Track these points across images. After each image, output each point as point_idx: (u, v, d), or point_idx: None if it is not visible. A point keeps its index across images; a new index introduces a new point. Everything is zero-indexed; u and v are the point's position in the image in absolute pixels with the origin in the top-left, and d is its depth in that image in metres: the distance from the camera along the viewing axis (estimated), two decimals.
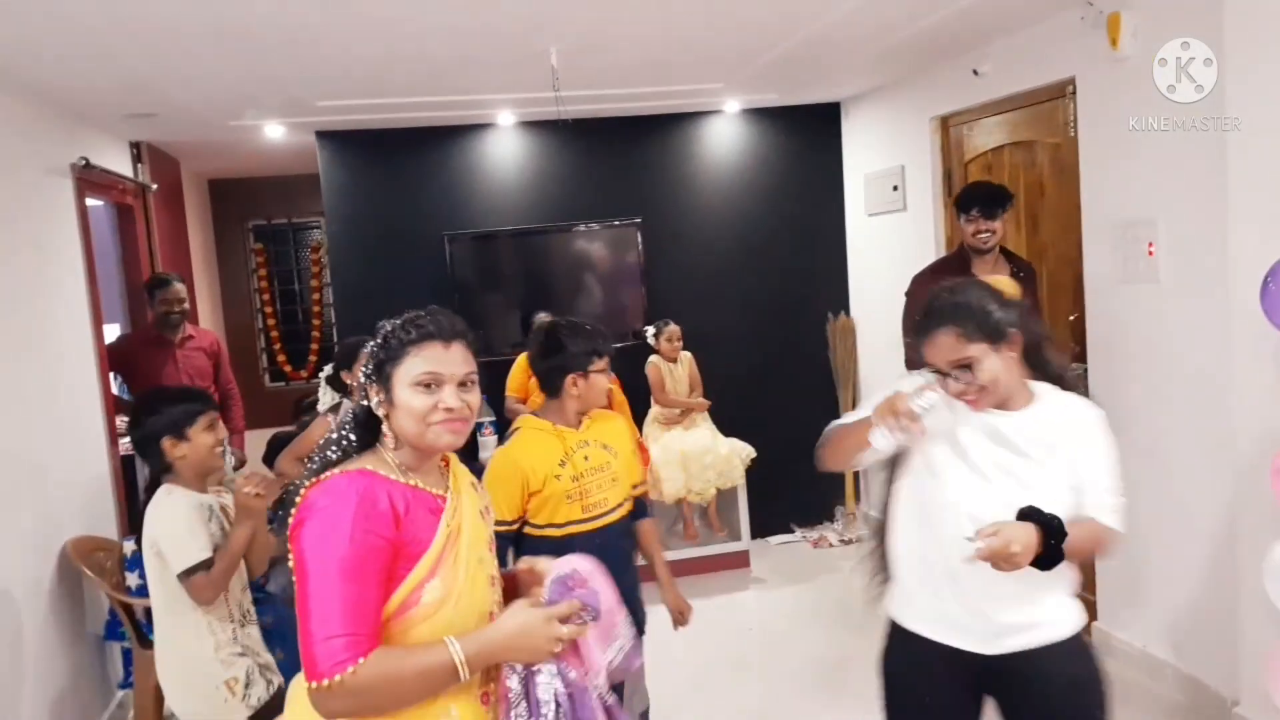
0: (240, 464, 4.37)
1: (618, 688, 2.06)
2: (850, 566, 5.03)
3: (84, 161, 3.98)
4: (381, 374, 1.54)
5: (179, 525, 2.41)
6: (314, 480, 1.48)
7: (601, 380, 2.48)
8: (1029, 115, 3.97)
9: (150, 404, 2.56)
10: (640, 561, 2.72)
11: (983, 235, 3.40)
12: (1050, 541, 1.73)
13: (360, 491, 1.44)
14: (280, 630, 2.62)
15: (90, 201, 4.25)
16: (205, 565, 2.38)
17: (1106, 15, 3.26)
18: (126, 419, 2.90)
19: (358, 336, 3.27)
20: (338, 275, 5.22)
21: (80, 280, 3.99)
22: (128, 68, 3.44)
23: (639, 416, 4.97)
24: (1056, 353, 2.03)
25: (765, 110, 5.45)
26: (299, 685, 1.48)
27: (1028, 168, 4.03)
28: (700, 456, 4.87)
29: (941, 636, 1.95)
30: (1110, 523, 1.86)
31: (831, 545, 5.40)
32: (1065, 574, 1.90)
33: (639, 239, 5.27)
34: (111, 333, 4.71)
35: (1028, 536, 1.71)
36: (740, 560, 5.03)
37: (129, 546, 3.47)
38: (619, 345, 5.22)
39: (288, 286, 8.27)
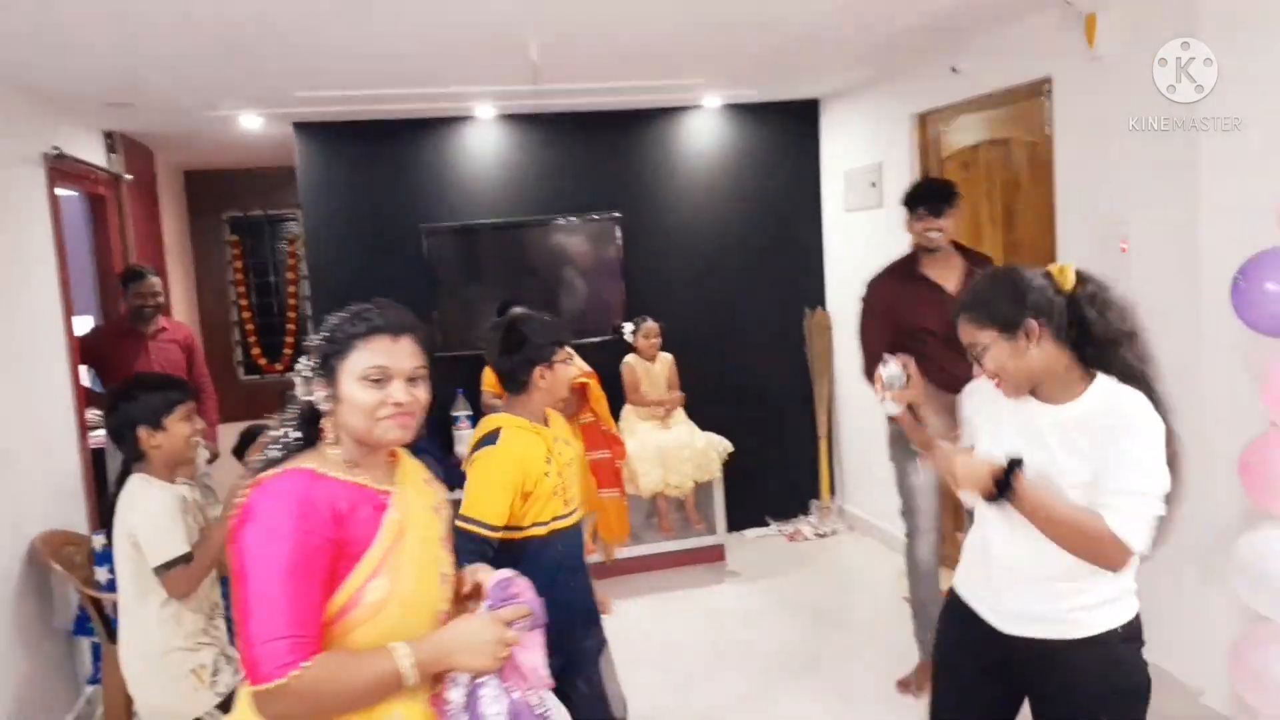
0: (214, 457, 4.33)
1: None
2: (825, 560, 5.08)
3: (56, 151, 3.93)
4: (327, 367, 1.50)
5: (159, 518, 2.38)
6: (255, 480, 1.46)
7: (567, 370, 2.47)
8: (1006, 113, 4.00)
9: (129, 391, 2.53)
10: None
11: (931, 234, 3.37)
12: (1004, 479, 1.79)
13: (300, 491, 1.42)
14: None
15: (62, 191, 4.19)
16: (185, 559, 2.36)
17: (1084, 15, 3.28)
18: (101, 409, 2.87)
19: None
20: (313, 268, 5.18)
21: (51, 271, 3.93)
22: (102, 56, 3.40)
23: (616, 410, 4.98)
24: (1138, 353, 1.87)
25: (745, 106, 5.46)
26: (245, 689, 1.46)
27: (1004, 165, 4.06)
28: (678, 451, 4.88)
29: (969, 599, 2.07)
30: (1111, 522, 1.74)
31: (806, 539, 5.43)
32: (1096, 577, 1.84)
33: (618, 233, 5.27)
34: (84, 324, 4.65)
35: (974, 470, 1.83)
36: (716, 554, 5.04)
37: (99, 541, 3.44)
38: (598, 340, 5.26)
39: (263, 279, 8.20)
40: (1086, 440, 1.82)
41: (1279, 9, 2.74)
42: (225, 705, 2.38)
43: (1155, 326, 3.25)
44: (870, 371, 3.30)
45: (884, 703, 3.53)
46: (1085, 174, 3.49)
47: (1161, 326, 3.25)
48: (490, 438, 2.37)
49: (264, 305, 8.22)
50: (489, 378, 4.73)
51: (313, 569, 1.39)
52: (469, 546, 2.27)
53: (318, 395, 1.51)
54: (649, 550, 4.97)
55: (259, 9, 2.94)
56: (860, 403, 5.21)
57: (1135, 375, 1.85)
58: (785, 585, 4.77)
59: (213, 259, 8.01)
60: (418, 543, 1.54)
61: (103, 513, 2.87)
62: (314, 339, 1.55)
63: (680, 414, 5.10)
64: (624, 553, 4.61)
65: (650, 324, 5.02)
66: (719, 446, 5.02)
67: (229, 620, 2.57)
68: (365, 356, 1.49)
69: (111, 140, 4.94)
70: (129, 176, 5.09)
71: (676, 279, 5.46)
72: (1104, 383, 1.86)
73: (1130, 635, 1.92)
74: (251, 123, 4.95)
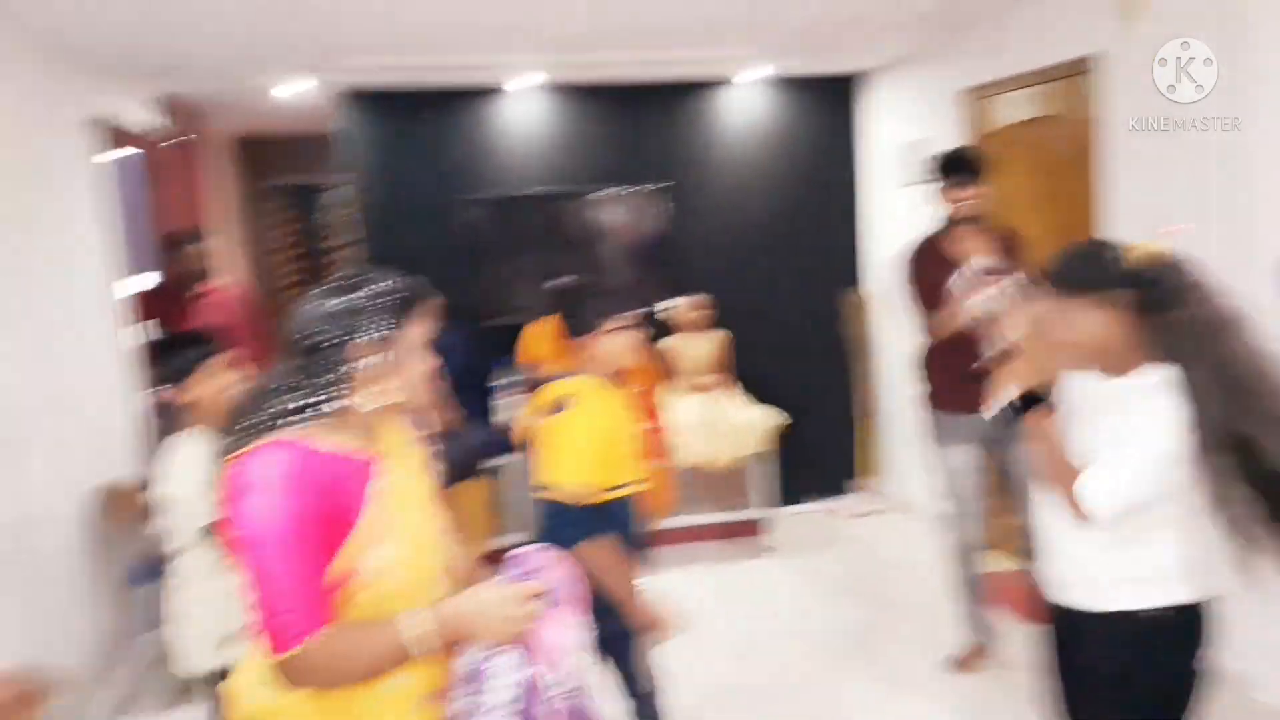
0: None
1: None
2: (865, 538, 5.07)
3: (110, 115, 4.03)
4: (391, 335, 1.49)
5: (195, 477, 2.40)
6: (241, 451, 1.44)
7: (632, 336, 2.45)
8: (1052, 91, 3.94)
9: (161, 351, 2.59)
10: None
11: (963, 203, 3.32)
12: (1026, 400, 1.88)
13: (292, 463, 1.41)
14: None
15: (116, 154, 4.29)
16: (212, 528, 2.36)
17: None
18: (153, 365, 2.94)
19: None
20: (359, 235, 5.25)
21: (104, 232, 4.05)
22: (157, 20, 3.47)
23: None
24: (1213, 345, 1.74)
25: (785, 80, 5.42)
26: (248, 658, 1.51)
27: (1049, 144, 4.00)
28: (718, 423, 4.88)
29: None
30: (1081, 478, 1.78)
31: (848, 517, 5.42)
32: (1124, 550, 1.86)
33: (660, 206, 5.27)
34: (148, 283, 4.77)
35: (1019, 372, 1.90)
36: (756, 529, 5.06)
37: (157, 491, 3.55)
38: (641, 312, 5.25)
39: (308, 245, 8.32)
40: (1110, 407, 1.83)
41: None
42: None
43: None
44: (933, 324, 3.31)
45: (925, 683, 3.51)
46: (1129, 154, 3.43)
47: None
48: (565, 402, 2.34)
49: (310, 270, 8.35)
50: (528, 348, 4.79)
51: (314, 540, 1.40)
52: (553, 509, 2.30)
53: (376, 360, 1.49)
54: (685, 522, 4.98)
55: None
56: (901, 381, 5.19)
57: (1197, 362, 1.74)
58: (825, 563, 4.77)
59: (260, 224, 8.13)
60: (410, 504, 1.56)
61: (154, 465, 2.94)
62: (364, 301, 1.49)
63: (728, 388, 5.10)
64: (663, 524, 4.64)
65: (692, 299, 4.99)
66: (763, 421, 4.98)
67: None
68: (423, 325, 1.53)
69: (164, 105, 5.03)
70: (181, 140, 5.19)
71: (719, 253, 5.45)
72: (1156, 366, 1.80)
73: (1164, 624, 1.85)
74: (301, 90, 5.01)
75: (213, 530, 2.37)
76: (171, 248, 4.62)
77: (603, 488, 2.33)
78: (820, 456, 5.62)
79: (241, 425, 1.47)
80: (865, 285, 5.62)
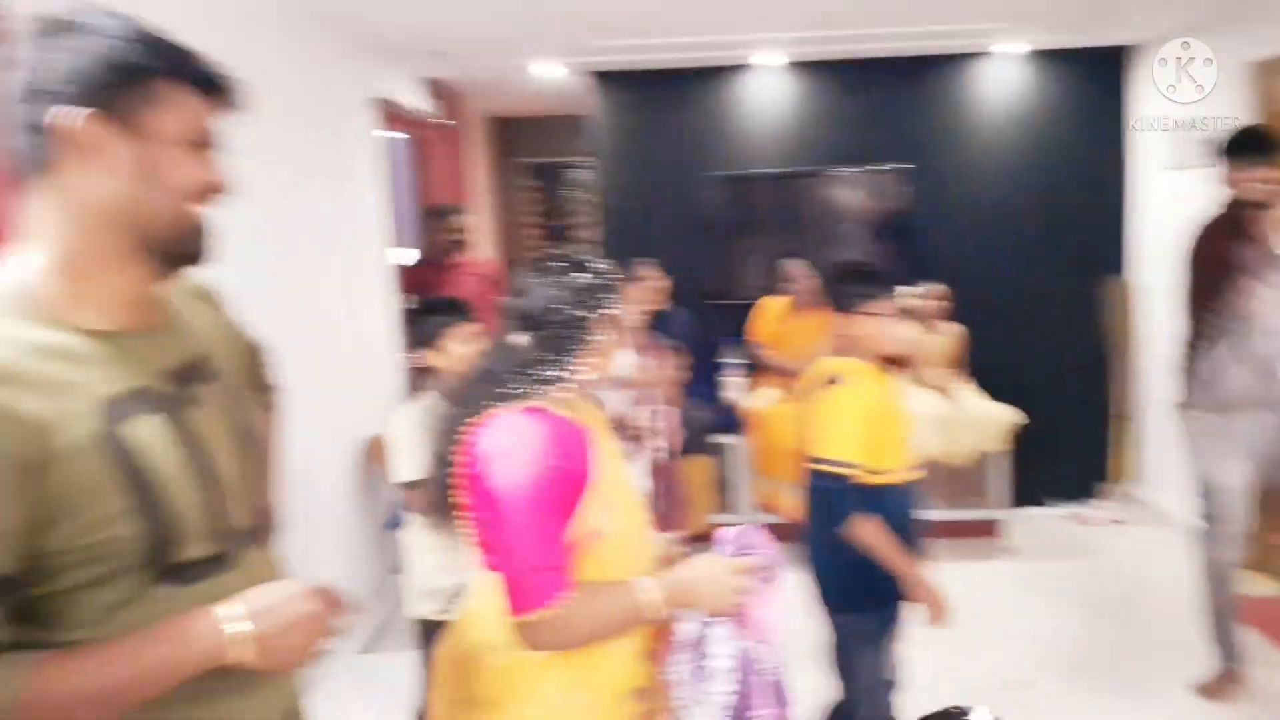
0: None
1: None
2: (1112, 548, 4.72)
3: (385, 96, 4.40)
4: (617, 312, 1.62)
5: (404, 435, 2.53)
6: (488, 415, 1.49)
7: (898, 323, 2.41)
8: None
9: (413, 317, 2.78)
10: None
11: (1269, 186, 2.94)
12: None
13: (545, 427, 1.46)
14: None
15: (388, 134, 4.69)
16: (414, 485, 2.43)
17: None
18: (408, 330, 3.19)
19: None
20: (603, 214, 5.43)
21: (378, 206, 4.44)
22: (427, 7, 3.74)
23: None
24: None
25: (1043, 53, 5.04)
26: (484, 596, 1.56)
27: None
28: (956, 418, 4.69)
29: None
30: None
31: (1094, 524, 5.05)
32: None
33: (903, 187, 5.09)
34: (410, 257, 5.18)
35: None
36: (990, 529, 4.82)
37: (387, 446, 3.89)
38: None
39: (554, 223, 8.71)
40: None
41: None
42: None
43: None
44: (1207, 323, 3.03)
45: (1167, 707, 3.25)
46: None
47: None
48: (836, 378, 2.35)
49: (552, 246, 8.73)
50: (758, 327, 4.80)
51: (561, 504, 1.44)
52: (823, 485, 2.31)
53: (604, 336, 1.58)
54: (922, 517, 4.81)
55: None
56: (1166, 380, 4.75)
57: None
58: (1065, 570, 4.49)
59: (511, 201, 8.60)
60: (620, 474, 1.60)
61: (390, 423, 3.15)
62: (600, 280, 1.57)
63: (964, 383, 4.90)
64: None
65: (929, 288, 4.79)
66: (1002, 418, 4.72)
67: None
68: (633, 305, 1.64)
69: (431, 87, 5.42)
70: (446, 121, 5.57)
71: (964, 239, 5.18)
72: None
73: None
74: (551, 71, 5.24)
75: (416, 487, 2.39)
76: (433, 220, 4.98)
77: (872, 469, 2.29)
78: (1067, 457, 5.24)
79: (483, 391, 1.52)
80: (1130, 274, 5.17)
